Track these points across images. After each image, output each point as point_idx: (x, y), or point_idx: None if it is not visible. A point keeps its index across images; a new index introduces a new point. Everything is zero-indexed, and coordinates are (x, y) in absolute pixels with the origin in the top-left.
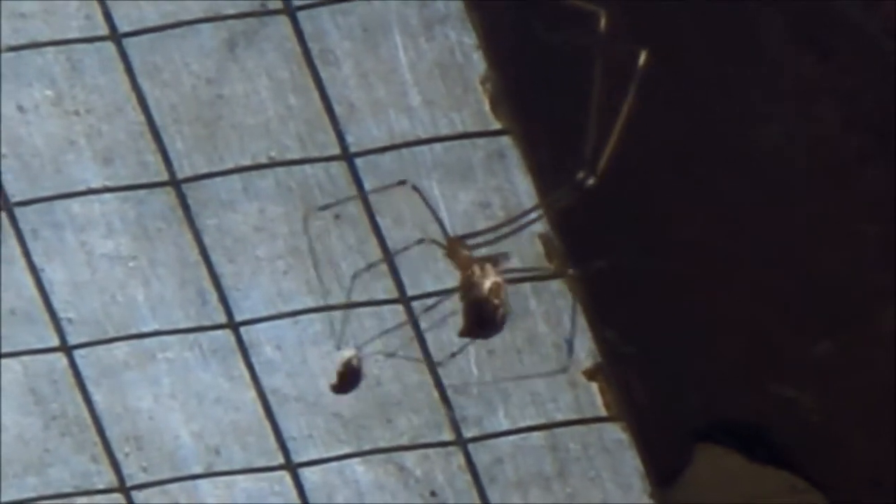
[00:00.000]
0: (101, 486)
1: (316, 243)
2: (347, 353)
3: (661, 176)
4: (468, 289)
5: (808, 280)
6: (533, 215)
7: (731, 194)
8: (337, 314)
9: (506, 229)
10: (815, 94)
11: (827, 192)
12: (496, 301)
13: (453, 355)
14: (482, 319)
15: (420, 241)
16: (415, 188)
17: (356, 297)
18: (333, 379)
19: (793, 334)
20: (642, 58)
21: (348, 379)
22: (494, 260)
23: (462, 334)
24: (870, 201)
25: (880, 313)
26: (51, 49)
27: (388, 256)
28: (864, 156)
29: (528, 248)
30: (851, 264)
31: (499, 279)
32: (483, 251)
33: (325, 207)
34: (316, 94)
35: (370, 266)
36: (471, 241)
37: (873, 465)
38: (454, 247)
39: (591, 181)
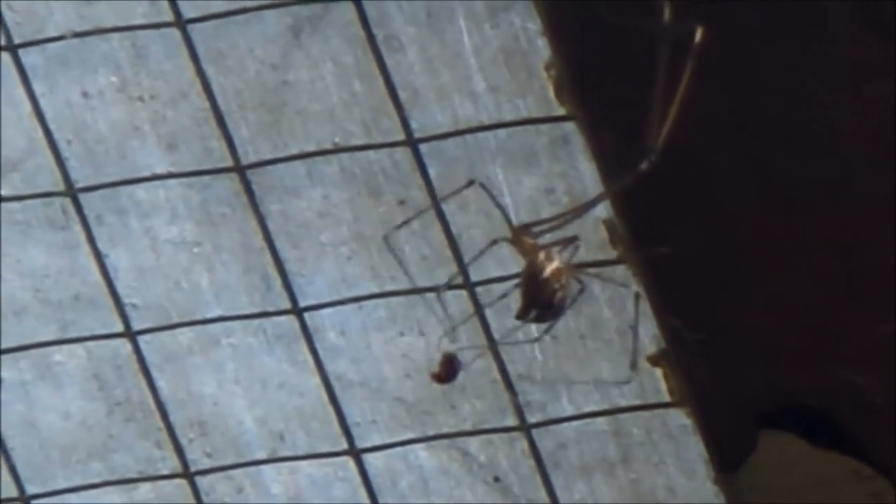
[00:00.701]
0: (164, 472)
1: (380, 229)
2: (448, 347)
3: (724, 159)
4: (530, 273)
5: (870, 261)
6: (597, 201)
7: (793, 176)
8: (406, 302)
9: (570, 216)
10: (878, 74)
11: (887, 173)
12: (556, 285)
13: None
14: (540, 302)
15: (494, 243)
16: (483, 186)
17: (420, 283)
18: (435, 370)
19: (856, 317)
20: (698, 34)
21: (450, 373)
22: (562, 244)
23: (518, 316)
24: None
25: None
26: (116, 35)
27: (455, 247)
28: None
29: (592, 234)
30: None
31: (561, 265)
32: (547, 238)
33: (402, 225)
34: (380, 80)
35: (451, 281)
36: (535, 229)
37: None
38: (518, 236)
39: (652, 159)
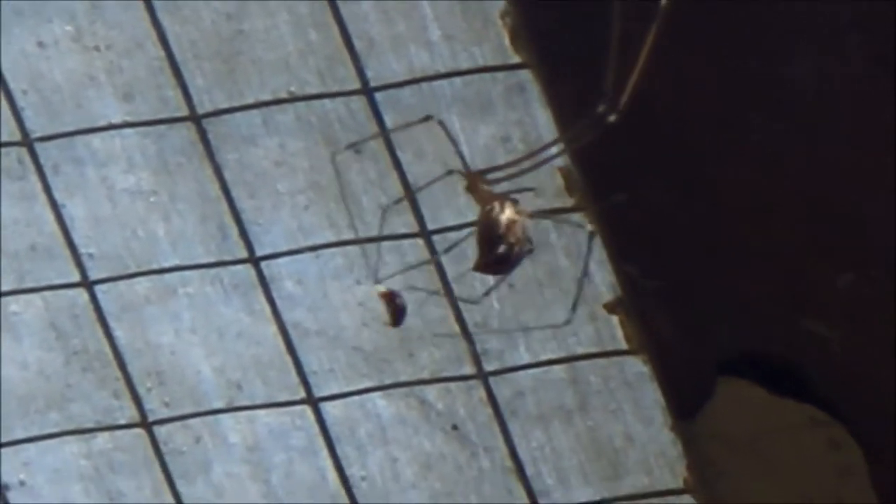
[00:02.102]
0: (122, 422)
1: (335, 170)
2: (381, 288)
3: (688, 112)
4: (485, 224)
5: (831, 213)
6: (554, 150)
7: (759, 130)
8: (367, 248)
9: (526, 164)
10: (845, 31)
11: (854, 128)
12: (512, 238)
13: (484, 294)
14: (496, 256)
15: (449, 173)
16: (440, 123)
17: (375, 231)
18: (386, 318)
19: (818, 268)
20: None
21: (399, 311)
22: (515, 199)
23: (476, 269)
24: (892, 136)
25: None
26: None
27: (409, 192)
28: (889, 92)
29: (548, 182)
30: (873, 197)
31: (516, 216)
32: (504, 185)
33: (352, 146)
34: (336, 29)
35: (397, 201)
36: (491, 176)
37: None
38: (474, 182)
39: (612, 117)
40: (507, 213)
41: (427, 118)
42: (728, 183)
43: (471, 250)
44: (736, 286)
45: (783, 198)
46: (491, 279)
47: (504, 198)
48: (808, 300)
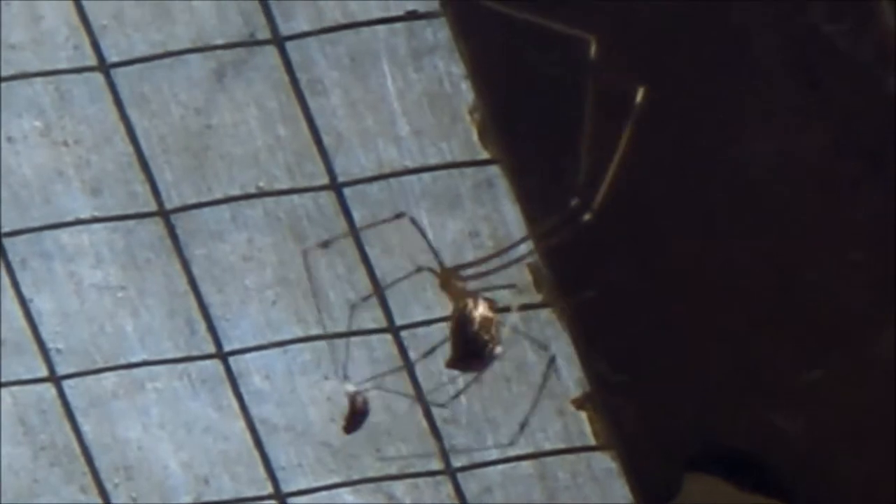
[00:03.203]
0: None
1: (305, 273)
2: (350, 387)
3: (651, 201)
4: (459, 321)
5: (798, 306)
6: (524, 247)
7: (722, 220)
8: (334, 344)
9: (497, 261)
10: (807, 119)
11: (819, 217)
12: (486, 336)
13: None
14: (470, 353)
15: (419, 270)
16: (412, 220)
17: (343, 327)
18: (342, 421)
19: (784, 362)
20: (640, 94)
21: (356, 417)
22: (490, 301)
23: (448, 365)
24: (862, 226)
25: (872, 340)
26: (39, 79)
27: (378, 287)
28: (856, 181)
29: (517, 277)
30: (843, 290)
31: (490, 314)
32: (475, 283)
33: (324, 244)
34: (304, 124)
35: (366, 298)
36: (464, 272)
37: (865, 493)
38: (447, 278)
39: (587, 216)
40: (481, 310)
41: (400, 215)
42: (692, 274)
43: (438, 345)
44: (702, 379)
45: (750, 289)
46: (460, 376)
47: (478, 295)
48: (775, 393)
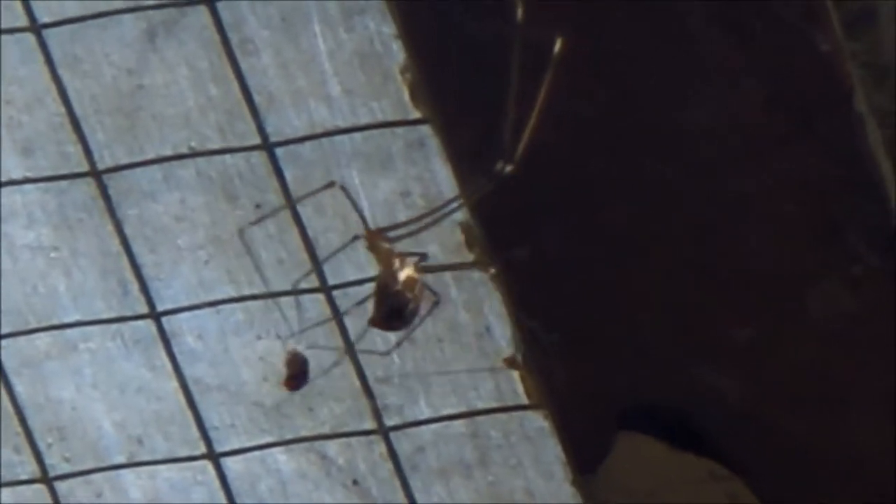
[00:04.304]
0: (24, 477)
1: (240, 240)
2: (290, 347)
3: (583, 161)
4: (382, 281)
5: (731, 264)
6: (453, 205)
7: (654, 178)
8: (263, 305)
9: (426, 220)
10: (738, 76)
11: (750, 174)
12: (408, 294)
13: (394, 347)
14: (392, 312)
15: (355, 238)
16: (343, 188)
17: (277, 287)
18: (283, 377)
19: (716, 320)
20: (557, 45)
21: (300, 372)
22: (416, 259)
23: (371, 324)
24: (793, 183)
25: (804, 295)
26: None
27: (312, 250)
28: (787, 137)
29: (448, 237)
30: (775, 247)
31: (414, 274)
32: (405, 242)
33: (258, 221)
34: (236, 84)
35: (307, 274)
36: (392, 234)
37: (795, 449)
38: (374, 240)
39: (508, 168)
40: (406, 271)
41: (330, 184)
42: (624, 232)
43: (369, 304)
44: (634, 338)
45: (683, 249)
46: (392, 336)
47: (403, 255)
48: (706, 353)
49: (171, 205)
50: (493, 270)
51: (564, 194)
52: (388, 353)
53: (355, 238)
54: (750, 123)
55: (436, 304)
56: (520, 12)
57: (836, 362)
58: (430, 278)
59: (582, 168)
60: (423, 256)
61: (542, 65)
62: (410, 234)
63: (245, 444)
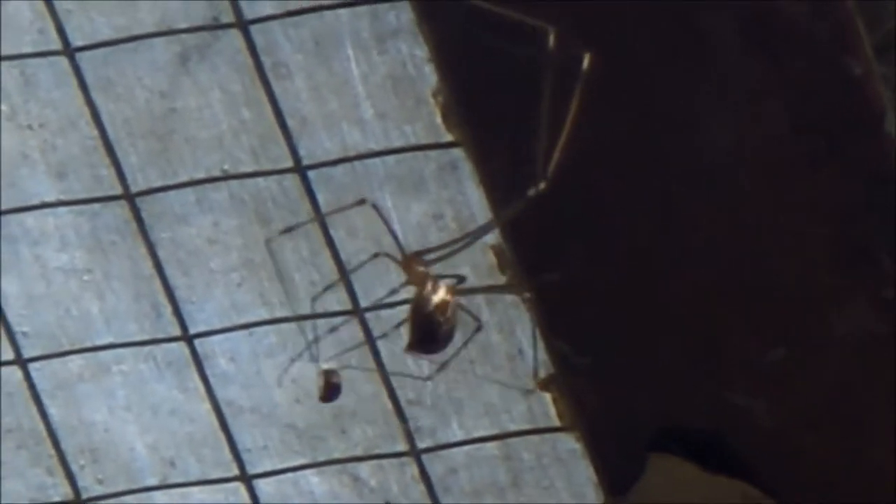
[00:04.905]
0: (56, 499)
1: (269, 256)
2: (323, 365)
3: (612, 184)
4: (418, 304)
5: (759, 286)
6: (486, 228)
7: (682, 201)
8: (300, 327)
9: (459, 244)
10: (765, 98)
11: (777, 197)
12: (441, 318)
13: (437, 371)
14: (426, 336)
15: (376, 255)
16: (374, 207)
17: (308, 310)
18: (319, 391)
19: (745, 342)
20: (586, 61)
21: (332, 391)
22: (454, 282)
23: (407, 350)
24: (820, 205)
25: (832, 318)
26: (4, 63)
27: (343, 270)
28: (814, 160)
29: (480, 259)
30: (802, 269)
31: (448, 297)
32: (439, 267)
33: (287, 230)
34: (268, 108)
35: (327, 288)
36: (426, 257)
37: (826, 470)
38: (409, 263)
39: (541, 186)
40: (439, 294)
41: (361, 202)
42: (652, 254)
43: (402, 326)
44: (665, 361)
45: (711, 271)
46: (425, 361)
47: (437, 278)
48: (736, 374)
49: (203, 228)
50: (527, 295)
51: (591, 217)
52: (428, 378)
53: (376, 255)
54: (778, 144)
55: (478, 329)
56: (552, 38)
57: (864, 384)
58: (462, 301)
59: (608, 190)
60: (461, 279)
61: (573, 86)
62: (443, 258)
63: (277, 466)
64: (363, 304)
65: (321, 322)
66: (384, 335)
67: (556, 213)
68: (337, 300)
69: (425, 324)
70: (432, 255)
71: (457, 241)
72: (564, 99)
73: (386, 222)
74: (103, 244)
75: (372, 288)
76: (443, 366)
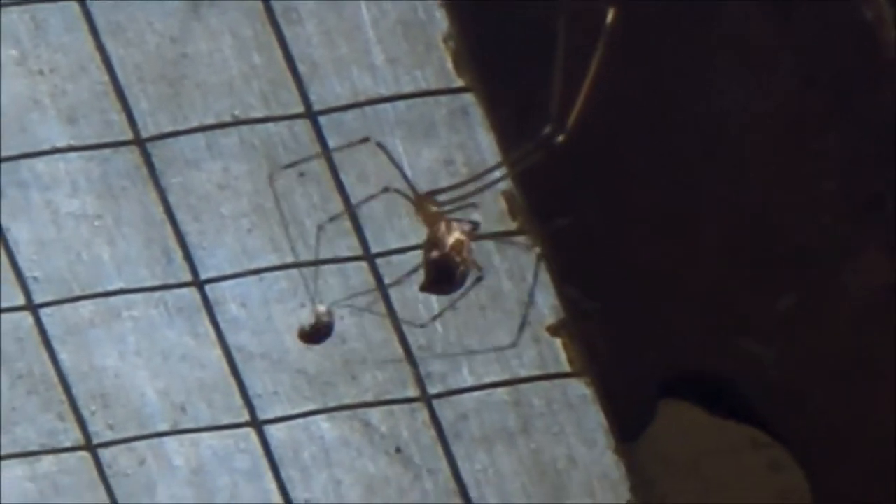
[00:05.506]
0: (67, 444)
1: (280, 201)
2: (321, 307)
3: (625, 135)
4: (432, 244)
5: (769, 237)
6: (498, 173)
7: (694, 153)
8: (305, 271)
9: (471, 186)
10: (777, 54)
11: (788, 150)
12: (458, 258)
13: (431, 319)
14: (442, 275)
15: (385, 191)
16: (379, 145)
17: (320, 255)
18: (305, 328)
19: (755, 290)
20: (610, 15)
21: (320, 331)
22: (464, 225)
23: (422, 289)
24: (829, 158)
25: (843, 267)
26: (15, 8)
27: (352, 211)
28: (824, 113)
29: (491, 205)
30: (812, 220)
31: (462, 237)
32: (448, 208)
33: (289, 166)
34: (279, 53)
35: (333, 218)
36: (438, 197)
37: (835, 418)
38: (422, 203)
39: (560, 138)
40: (455, 234)
41: (364, 140)
42: (665, 205)
43: (413, 272)
44: (676, 308)
45: (724, 222)
46: (435, 303)
47: (451, 219)
48: (747, 322)
49: (214, 173)
50: (537, 250)
51: (606, 164)
52: (424, 325)
53: (386, 189)
54: (790, 98)
55: (479, 279)
56: None
57: (874, 333)
58: (473, 247)
59: (623, 139)
60: (476, 225)
61: (584, 35)
62: (455, 201)
63: (288, 412)
64: (374, 249)
65: (332, 268)
66: (395, 282)
67: (569, 161)
68: (347, 246)
69: (442, 264)
70: (444, 197)
71: (468, 182)
72: (579, 48)
73: (393, 160)
74: (114, 189)
75: (382, 234)
76: (438, 314)
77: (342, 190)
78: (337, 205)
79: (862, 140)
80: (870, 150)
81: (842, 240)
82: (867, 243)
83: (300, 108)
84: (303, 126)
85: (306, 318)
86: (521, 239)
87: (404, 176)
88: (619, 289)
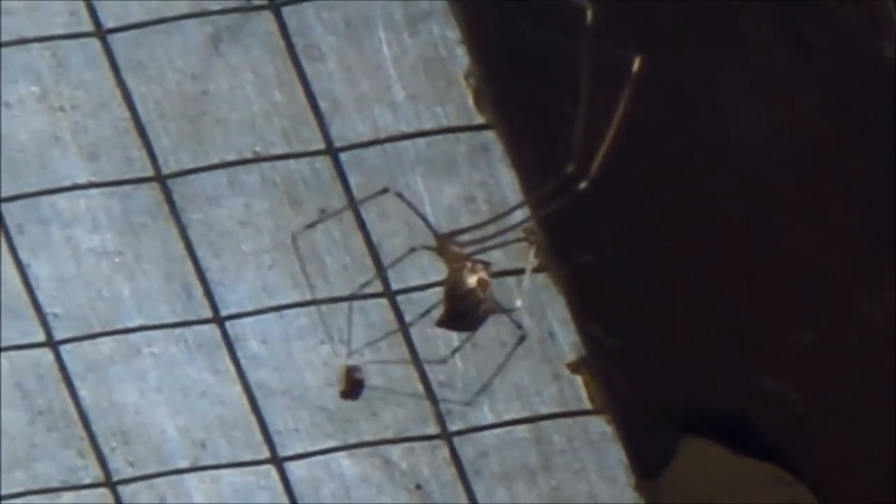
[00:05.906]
0: (87, 481)
1: (300, 239)
2: (349, 363)
3: (644, 170)
4: (453, 282)
5: (789, 271)
6: (520, 213)
7: (713, 187)
8: (331, 311)
9: (492, 227)
10: (798, 86)
11: (808, 183)
12: (481, 295)
13: (453, 353)
14: (463, 311)
15: (412, 250)
16: (398, 195)
17: (341, 291)
18: (341, 386)
19: (775, 326)
20: (636, 64)
21: (356, 388)
22: (484, 265)
23: (439, 324)
24: (850, 190)
25: (861, 302)
26: (36, 45)
27: (375, 255)
28: (845, 146)
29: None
30: (832, 254)
31: (486, 276)
32: (471, 249)
33: (311, 226)
34: (300, 90)
35: (365, 285)
36: (459, 238)
37: (858, 456)
38: (444, 244)
39: (583, 185)
40: (479, 273)
41: (384, 191)
42: (684, 240)
43: (433, 309)
44: (696, 344)
45: (740, 254)
46: (455, 340)
47: (473, 259)
48: (766, 358)
49: (235, 210)
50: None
51: (626, 199)
52: (444, 361)
53: (413, 250)
54: (811, 131)
55: (522, 339)
56: (589, 17)
57: (893, 368)
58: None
59: (643, 174)
60: (488, 265)
61: (606, 73)
62: (476, 241)
63: (308, 449)
64: (394, 287)
65: (352, 306)
66: (416, 320)
67: (590, 196)
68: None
69: (463, 302)
70: (466, 237)
71: (490, 222)
72: (599, 84)
73: (412, 206)
74: (134, 226)
75: (403, 271)
76: (457, 349)
77: (363, 228)
78: (358, 241)
79: (880, 174)
80: (887, 184)
81: (859, 274)
82: (884, 277)
83: (321, 145)
84: (324, 163)
85: (337, 377)
86: (541, 276)
87: (424, 220)
88: (639, 326)
